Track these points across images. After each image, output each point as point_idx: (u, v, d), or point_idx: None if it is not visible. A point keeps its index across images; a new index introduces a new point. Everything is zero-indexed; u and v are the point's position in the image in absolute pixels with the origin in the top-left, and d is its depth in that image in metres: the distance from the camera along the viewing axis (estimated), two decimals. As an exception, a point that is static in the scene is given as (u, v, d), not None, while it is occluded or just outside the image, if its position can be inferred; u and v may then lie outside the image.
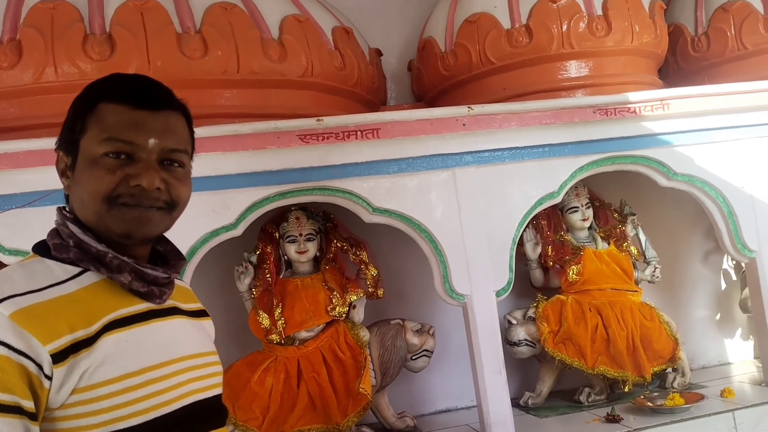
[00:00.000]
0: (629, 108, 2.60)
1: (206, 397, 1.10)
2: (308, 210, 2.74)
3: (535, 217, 2.77)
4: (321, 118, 2.35)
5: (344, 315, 2.65)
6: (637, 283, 3.02)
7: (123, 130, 1.05)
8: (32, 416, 0.91)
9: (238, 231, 2.40)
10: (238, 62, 2.42)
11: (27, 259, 1.08)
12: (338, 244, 2.75)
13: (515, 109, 2.52)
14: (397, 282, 3.01)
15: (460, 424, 2.82)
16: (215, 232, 2.35)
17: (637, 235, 3.09)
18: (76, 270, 1.04)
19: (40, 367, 0.91)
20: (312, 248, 2.69)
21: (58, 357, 0.93)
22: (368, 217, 2.51)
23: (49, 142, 2.06)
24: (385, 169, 2.46)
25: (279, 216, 2.72)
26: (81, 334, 0.96)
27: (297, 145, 2.35)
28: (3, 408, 0.88)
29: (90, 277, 1.04)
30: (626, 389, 2.79)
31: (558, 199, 2.67)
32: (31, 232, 2.07)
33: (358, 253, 2.73)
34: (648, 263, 3.06)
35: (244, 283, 2.65)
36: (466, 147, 2.51)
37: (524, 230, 2.87)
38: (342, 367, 2.58)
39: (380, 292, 2.71)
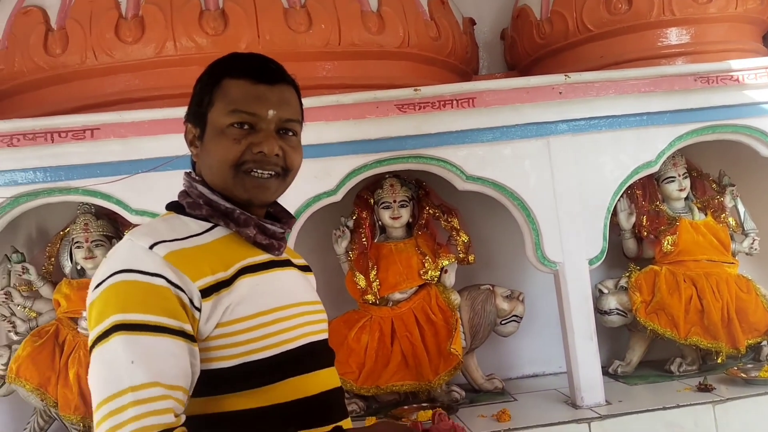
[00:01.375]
0: (732, 76, 2.53)
1: (318, 339, 1.23)
2: (402, 178, 2.83)
3: (629, 186, 2.76)
4: (418, 88, 2.43)
5: (436, 279, 2.75)
6: (734, 255, 2.97)
7: (246, 103, 1.15)
8: (193, 340, 1.05)
9: (338, 196, 2.53)
10: (339, 35, 2.53)
11: (165, 216, 1.22)
12: (430, 210, 2.84)
13: (613, 77, 2.51)
14: (486, 249, 3.07)
15: (548, 388, 2.88)
16: (317, 197, 2.49)
17: (735, 206, 3.02)
18: (207, 225, 1.17)
19: (191, 300, 1.05)
20: (405, 214, 2.80)
21: (206, 292, 1.06)
22: (462, 185, 2.58)
23: (170, 112, 2.28)
24: (479, 137, 2.52)
25: (374, 183, 2.84)
26: (221, 275, 1.09)
27: (395, 114, 2.44)
28: (171, 331, 1.01)
29: (220, 231, 1.17)
30: (719, 360, 2.78)
31: (655, 169, 2.66)
32: (155, 195, 2.32)
33: (449, 220, 2.81)
34: (746, 235, 2.99)
35: (341, 246, 2.79)
36: (561, 115, 2.54)
37: (618, 200, 2.86)
38: (434, 328, 2.69)
39: (471, 257, 2.79)
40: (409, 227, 2.87)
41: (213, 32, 2.40)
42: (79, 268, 2.71)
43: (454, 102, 2.45)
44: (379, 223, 2.85)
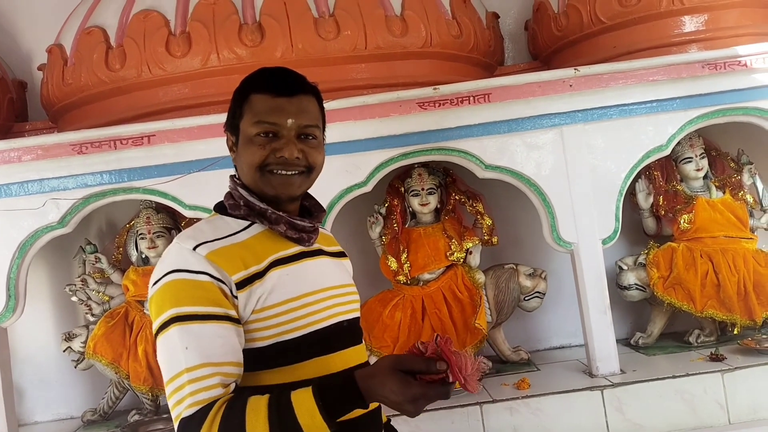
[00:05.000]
0: (739, 61, 2.65)
1: (347, 319, 1.42)
2: (430, 167, 3.06)
3: (648, 167, 2.90)
4: (437, 86, 2.64)
5: (462, 260, 2.98)
6: (752, 230, 3.08)
7: (268, 114, 1.33)
8: (238, 322, 1.27)
9: (368, 187, 2.78)
10: (365, 39, 2.76)
11: (211, 217, 1.45)
12: (456, 196, 3.07)
13: (621, 68, 2.67)
14: (511, 231, 3.28)
15: (571, 359, 3.09)
16: (349, 189, 2.75)
17: (754, 183, 3.11)
18: (245, 223, 1.39)
19: (231, 290, 1.27)
20: (433, 201, 3.03)
21: (240, 285, 1.28)
22: (481, 173, 2.80)
23: (216, 118, 2.58)
24: (496, 129, 2.72)
25: (404, 173, 3.08)
26: (253, 269, 1.30)
27: (416, 111, 2.67)
28: (217, 317, 1.24)
29: (256, 228, 1.39)
30: (735, 332, 2.92)
31: (666, 152, 2.80)
32: (206, 191, 2.64)
33: (474, 205, 3.03)
34: (765, 211, 3.10)
35: (375, 231, 3.05)
36: (573, 106, 2.71)
37: (637, 180, 3.02)
38: (460, 305, 2.93)
39: (494, 239, 3.01)
40: (437, 212, 3.09)
41: (251, 44, 2.67)
42: (143, 256, 3.05)
43: (471, 98, 2.66)
44: (410, 209, 3.09)
